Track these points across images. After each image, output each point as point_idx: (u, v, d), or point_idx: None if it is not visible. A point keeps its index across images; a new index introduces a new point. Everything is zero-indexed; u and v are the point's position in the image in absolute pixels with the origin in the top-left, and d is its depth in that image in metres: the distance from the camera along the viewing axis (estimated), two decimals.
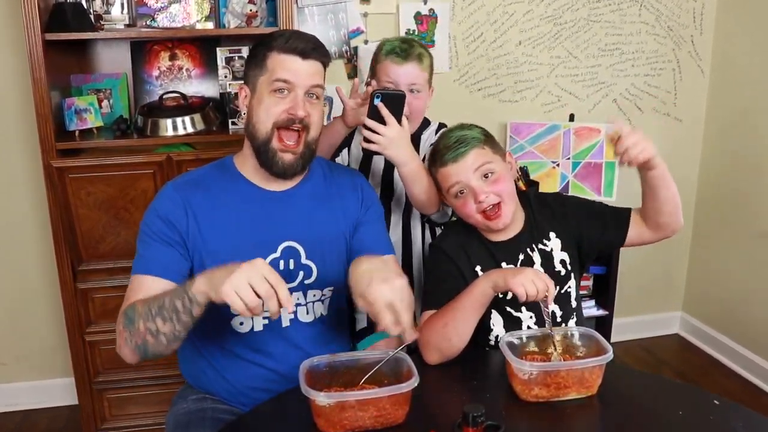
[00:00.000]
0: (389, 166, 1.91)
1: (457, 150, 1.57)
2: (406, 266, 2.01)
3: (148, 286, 1.40)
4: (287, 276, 1.50)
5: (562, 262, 1.67)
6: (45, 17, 2.12)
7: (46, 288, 2.66)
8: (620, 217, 1.65)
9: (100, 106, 2.36)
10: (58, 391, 2.74)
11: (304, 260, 1.52)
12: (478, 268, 1.62)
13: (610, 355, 1.35)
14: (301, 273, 1.52)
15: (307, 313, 1.55)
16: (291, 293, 1.49)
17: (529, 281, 1.37)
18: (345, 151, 1.97)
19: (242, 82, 1.54)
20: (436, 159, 1.62)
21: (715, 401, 1.38)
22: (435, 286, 1.62)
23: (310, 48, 1.45)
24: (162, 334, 1.29)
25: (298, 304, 1.53)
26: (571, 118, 2.85)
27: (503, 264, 1.63)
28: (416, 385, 1.25)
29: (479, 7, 2.73)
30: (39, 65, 2.10)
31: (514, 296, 1.42)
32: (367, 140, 1.58)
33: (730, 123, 2.96)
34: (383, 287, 1.21)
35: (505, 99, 2.85)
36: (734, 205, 2.96)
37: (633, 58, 2.93)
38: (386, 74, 1.85)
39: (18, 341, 2.72)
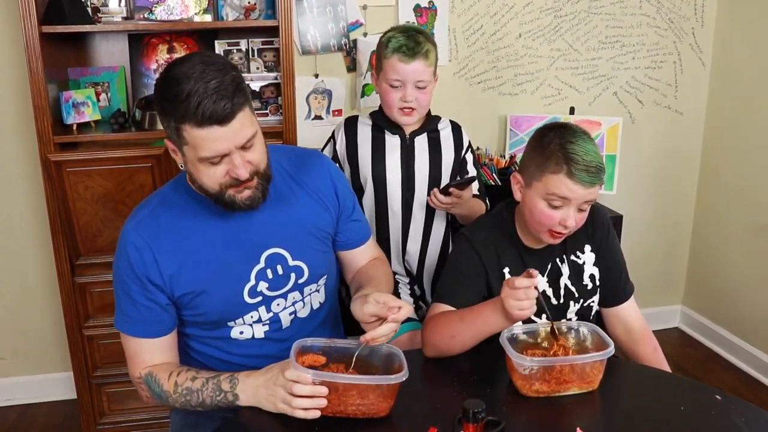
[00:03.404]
0: (408, 162, 1.98)
1: (594, 178, 1.46)
2: (421, 258, 2.03)
3: (148, 349, 1.43)
4: (278, 282, 1.47)
5: (592, 276, 1.65)
6: (42, 10, 2.10)
7: (44, 282, 2.65)
8: (621, 292, 1.68)
9: (98, 100, 2.35)
10: (56, 385, 2.74)
11: (291, 263, 1.47)
12: (506, 270, 1.59)
13: (611, 350, 1.35)
14: (293, 275, 1.48)
15: (304, 306, 1.53)
16: (287, 296, 1.49)
17: (520, 307, 1.35)
18: (348, 172, 2.00)
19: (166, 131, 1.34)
20: (568, 163, 1.45)
21: (717, 396, 1.37)
22: (454, 281, 1.59)
23: (228, 109, 1.23)
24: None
25: (295, 302, 1.52)
26: (572, 111, 2.83)
27: None
28: (404, 379, 1.25)
29: None
30: (36, 58, 2.08)
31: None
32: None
33: (731, 115, 2.95)
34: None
35: (504, 92, 2.84)
36: (735, 198, 2.95)
37: (634, 50, 2.92)
38: (393, 71, 1.86)
39: (16, 336, 2.71)
